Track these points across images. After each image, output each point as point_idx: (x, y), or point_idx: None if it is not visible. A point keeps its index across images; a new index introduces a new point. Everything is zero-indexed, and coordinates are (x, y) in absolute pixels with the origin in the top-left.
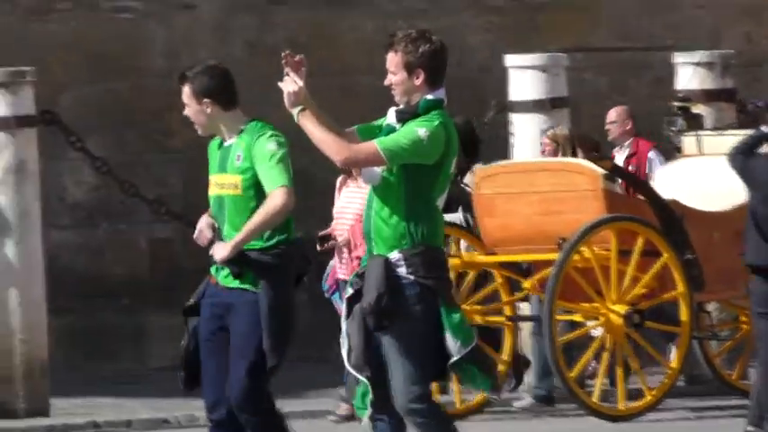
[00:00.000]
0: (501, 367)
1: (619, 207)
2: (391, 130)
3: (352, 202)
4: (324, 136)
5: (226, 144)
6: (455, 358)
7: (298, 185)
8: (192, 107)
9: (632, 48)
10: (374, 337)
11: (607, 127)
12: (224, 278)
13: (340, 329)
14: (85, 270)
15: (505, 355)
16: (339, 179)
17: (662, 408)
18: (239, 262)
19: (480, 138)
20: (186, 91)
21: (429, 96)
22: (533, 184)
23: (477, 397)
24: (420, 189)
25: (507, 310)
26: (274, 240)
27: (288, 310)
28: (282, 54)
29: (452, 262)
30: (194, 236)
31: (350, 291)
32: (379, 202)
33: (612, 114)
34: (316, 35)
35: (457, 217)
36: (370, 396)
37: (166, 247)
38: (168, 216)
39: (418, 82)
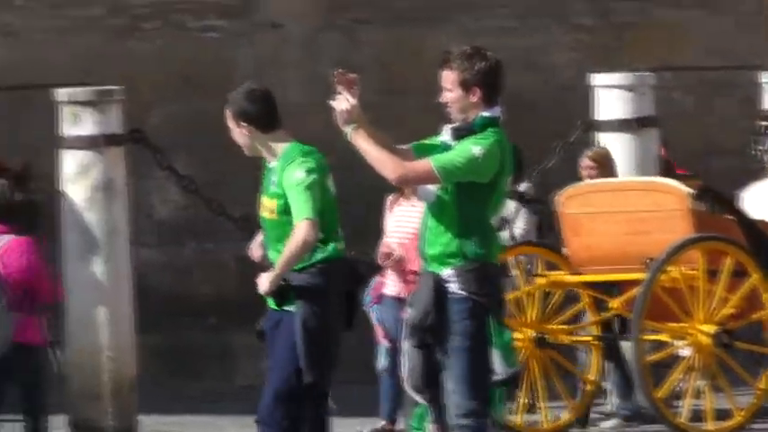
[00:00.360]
0: (588, 387)
1: (707, 227)
2: (447, 147)
3: (405, 220)
4: (378, 154)
5: (269, 166)
6: (498, 378)
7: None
8: (233, 130)
9: (719, 67)
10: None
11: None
12: (270, 302)
13: (374, 344)
14: (172, 288)
15: (592, 374)
16: (390, 197)
17: (750, 429)
18: (279, 292)
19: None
20: (227, 114)
21: (485, 114)
22: (620, 204)
23: (564, 417)
24: (474, 207)
25: (594, 330)
26: (312, 260)
27: (326, 328)
28: (334, 72)
29: (538, 281)
30: (248, 252)
31: (409, 310)
32: (433, 220)
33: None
34: (401, 53)
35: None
36: (428, 417)
37: (253, 266)
38: (254, 234)
39: (474, 99)
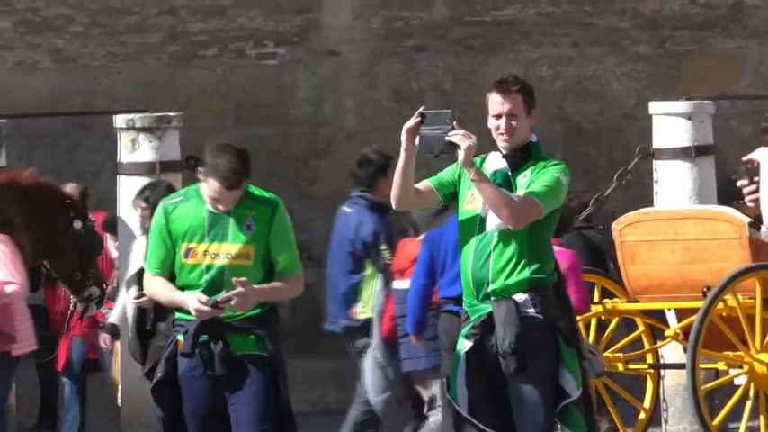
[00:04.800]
0: (642, 415)
1: (764, 255)
2: (504, 175)
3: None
4: (497, 195)
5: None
6: (571, 399)
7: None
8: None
9: None
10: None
11: None
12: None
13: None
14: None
15: (648, 402)
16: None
17: None
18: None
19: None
20: None
21: (534, 139)
22: (677, 232)
23: None
24: (542, 231)
25: (650, 358)
26: (267, 307)
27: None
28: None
29: (595, 309)
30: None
31: (469, 344)
32: (502, 247)
33: None
34: (460, 81)
35: None
36: None
37: (308, 293)
38: (310, 261)
39: (532, 123)
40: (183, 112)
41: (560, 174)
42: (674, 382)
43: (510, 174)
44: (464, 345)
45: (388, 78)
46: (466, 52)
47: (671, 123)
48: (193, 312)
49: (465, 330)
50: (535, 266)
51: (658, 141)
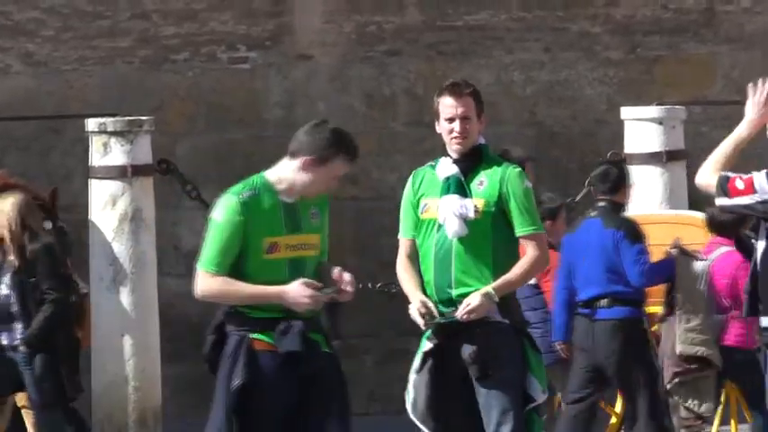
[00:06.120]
0: (614, 420)
1: None
2: (457, 180)
3: None
4: (522, 278)
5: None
6: (537, 403)
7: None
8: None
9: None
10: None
11: None
12: (321, 340)
13: None
14: (199, 319)
15: (619, 407)
16: None
17: None
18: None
19: None
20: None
21: (483, 141)
22: (649, 237)
23: None
24: (504, 238)
25: None
26: None
27: None
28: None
29: None
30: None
31: (429, 345)
32: (465, 255)
33: None
34: (432, 86)
35: None
36: None
37: None
38: None
39: (481, 127)
40: (154, 116)
41: (524, 182)
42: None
43: (463, 179)
44: (424, 346)
45: (361, 82)
46: (438, 57)
47: (642, 128)
48: (304, 303)
49: (427, 333)
50: (499, 272)
51: (630, 146)
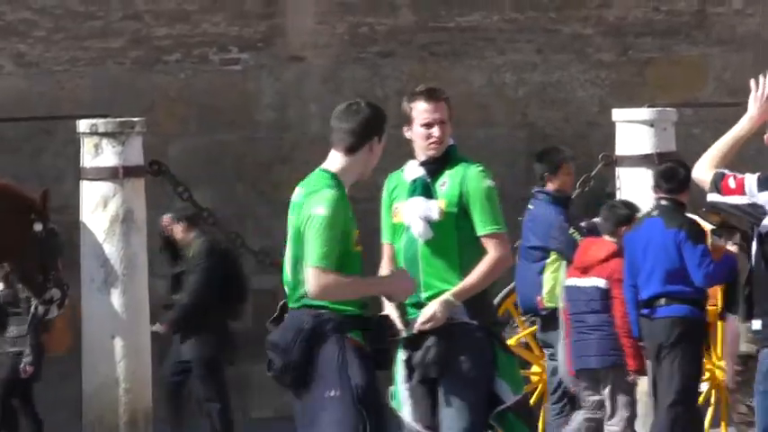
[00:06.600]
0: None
1: None
2: (423, 183)
3: None
4: (483, 282)
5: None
6: (505, 405)
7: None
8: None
9: (741, 103)
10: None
11: None
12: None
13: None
14: None
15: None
16: None
17: None
18: None
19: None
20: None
21: (452, 142)
22: None
23: None
24: (470, 239)
25: None
26: None
27: None
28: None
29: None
30: None
31: (404, 355)
32: (432, 257)
33: None
34: None
35: None
36: None
37: (271, 298)
38: (273, 267)
39: (451, 131)
40: (146, 117)
41: (485, 180)
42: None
43: (429, 180)
44: (400, 354)
45: (353, 84)
46: (431, 58)
47: (634, 130)
48: (410, 290)
49: (403, 341)
50: (468, 272)
51: (621, 148)
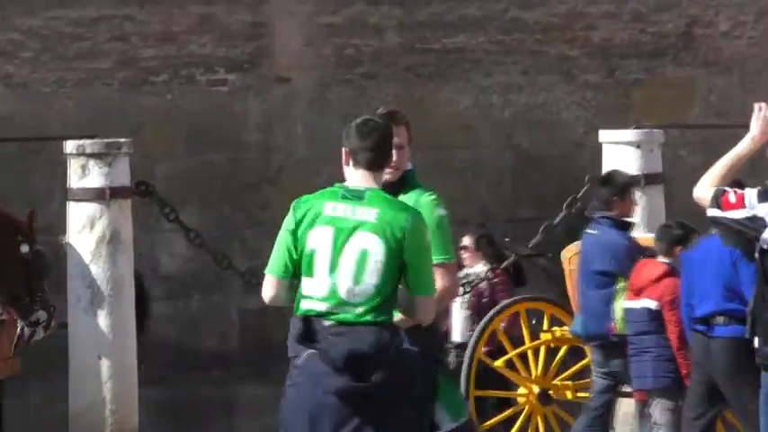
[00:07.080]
0: None
1: None
2: None
3: None
4: (431, 313)
5: None
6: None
7: None
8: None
9: (727, 125)
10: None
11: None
12: None
13: None
14: (177, 342)
15: None
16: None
17: None
18: None
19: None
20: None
21: (410, 166)
22: None
23: None
24: None
25: None
26: None
27: None
28: None
29: (544, 337)
30: None
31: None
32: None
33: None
34: (410, 109)
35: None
36: None
37: (257, 319)
38: (259, 288)
39: (410, 155)
40: (133, 138)
41: (437, 209)
42: (623, 410)
43: None
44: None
45: (339, 105)
46: (416, 80)
47: (620, 152)
48: None
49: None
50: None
51: (607, 169)
